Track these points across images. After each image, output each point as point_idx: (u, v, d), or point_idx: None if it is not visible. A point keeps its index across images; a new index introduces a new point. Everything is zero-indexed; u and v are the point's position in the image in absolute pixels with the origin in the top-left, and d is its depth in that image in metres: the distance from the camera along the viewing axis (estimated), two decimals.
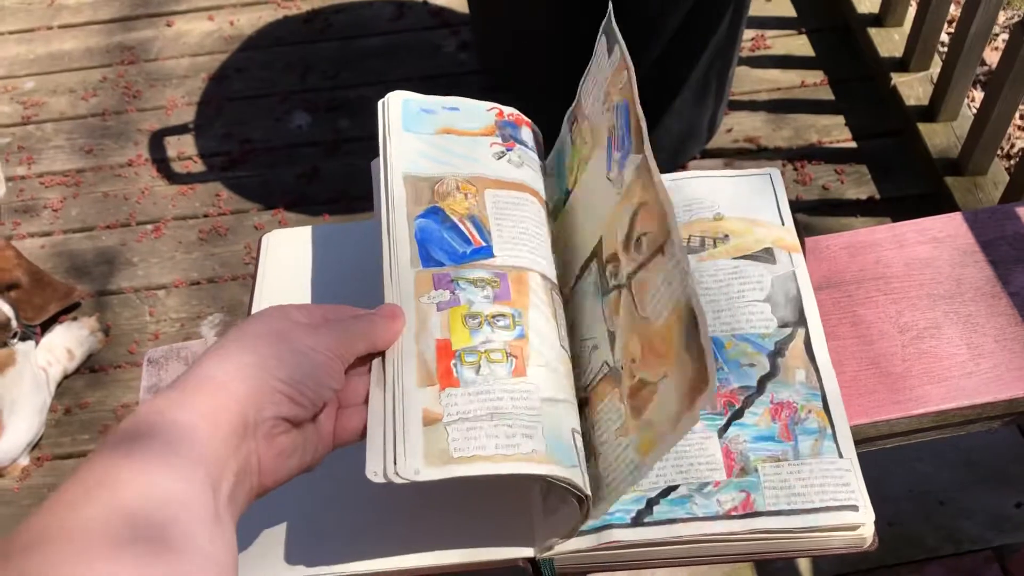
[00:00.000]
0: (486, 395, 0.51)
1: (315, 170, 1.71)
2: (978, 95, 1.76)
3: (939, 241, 0.69)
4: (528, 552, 0.55)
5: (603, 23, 0.61)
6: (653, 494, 0.55)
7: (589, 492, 0.50)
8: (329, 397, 0.48)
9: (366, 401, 0.51)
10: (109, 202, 1.71)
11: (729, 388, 0.58)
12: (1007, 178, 1.50)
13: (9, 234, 1.65)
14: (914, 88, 1.65)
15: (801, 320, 0.60)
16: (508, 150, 0.63)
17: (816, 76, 1.76)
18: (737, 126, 1.69)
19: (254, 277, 0.70)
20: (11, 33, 2.02)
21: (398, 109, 0.63)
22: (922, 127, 1.60)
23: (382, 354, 0.52)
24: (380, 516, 0.57)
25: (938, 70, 1.60)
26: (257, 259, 0.71)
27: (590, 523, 0.53)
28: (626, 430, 0.50)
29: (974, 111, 1.50)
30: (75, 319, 1.52)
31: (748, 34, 1.80)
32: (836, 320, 0.65)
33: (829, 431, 0.56)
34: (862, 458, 0.55)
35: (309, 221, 1.64)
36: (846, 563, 1.15)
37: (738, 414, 0.57)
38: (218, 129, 1.80)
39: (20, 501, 1.38)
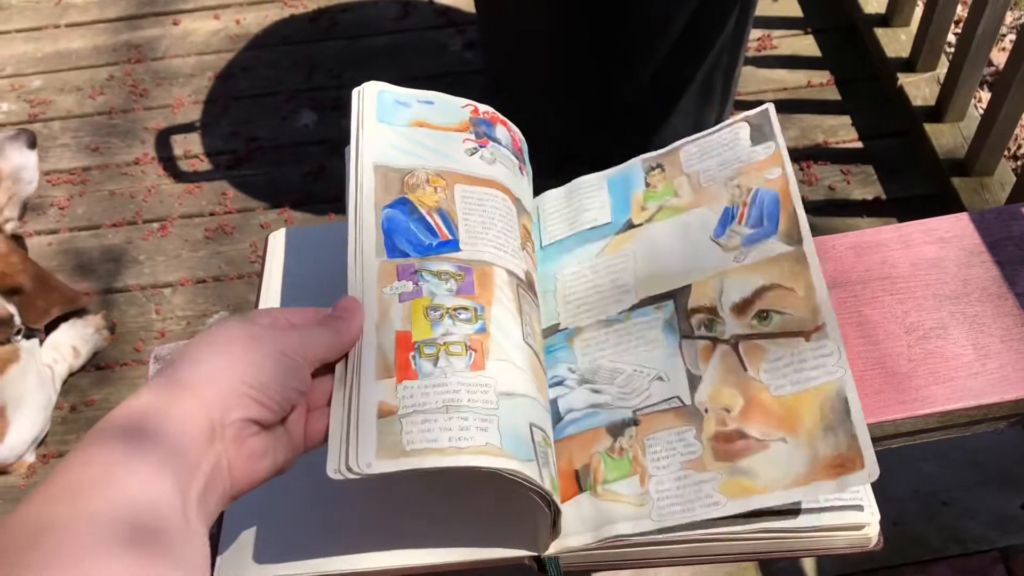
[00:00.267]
0: (442, 388, 0.51)
1: (321, 169, 1.72)
2: (985, 96, 1.75)
3: (945, 241, 0.69)
4: (533, 550, 0.55)
5: (757, 113, 0.66)
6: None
7: (548, 488, 0.50)
8: (296, 400, 0.49)
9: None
10: (115, 200, 1.72)
11: None
12: (1014, 179, 1.49)
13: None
14: (921, 88, 1.65)
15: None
16: (481, 147, 0.64)
17: (822, 76, 1.76)
18: None
19: (260, 275, 0.70)
20: (18, 32, 2.02)
21: (373, 99, 0.63)
22: (929, 127, 1.59)
23: (346, 352, 0.53)
24: (386, 514, 0.58)
25: (945, 70, 1.60)
26: (263, 257, 0.71)
27: (594, 520, 0.53)
28: (702, 465, 0.53)
29: (981, 112, 1.50)
30: (81, 317, 1.52)
31: (754, 34, 1.80)
32: (842, 320, 0.65)
33: None
34: None
35: (315, 220, 1.64)
36: (850, 563, 1.15)
37: None
38: (224, 128, 1.80)
39: None
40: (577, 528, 0.54)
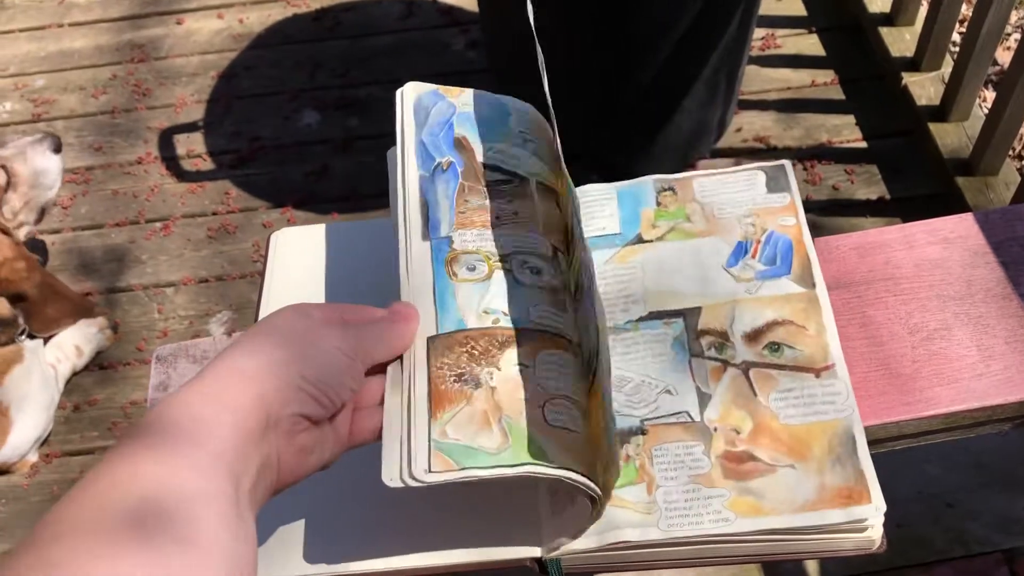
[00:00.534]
0: None
1: (324, 168, 1.72)
2: (990, 95, 1.75)
3: (950, 242, 0.68)
4: (535, 552, 0.55)
5: (774, 167, 0.67)
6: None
7: (600, 492, 0.50)
8: (348, 398, 0.48)
9: (381, 403, 0.52)
10: (118, 200, 1.72)
11: None
12: (1018, 178, 1.49)
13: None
14: (925, 88, 1.64)
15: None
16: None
17: (827, 75, 1.75)
18: (747, 125, 1.69)
19: (263, 275, 0.70)
20: (21, 31, 2.03)
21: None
22: (933, 127, 1.59)
23: (399, 357, 0.52)
24: (388, 515, 0.57)
25: (949, 70, 1.59)
26: (266, 257, 0.71)
27: (599, 524, 0.53)
28: (711, 481, 0.54)
29: (986, 111, 1.49)
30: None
31: (758, 33, 1.80)
32: (845, 321, 0.65)
33: None
34: (872, 460, 0.55)
35: (318, 219, 1.64)
36: (854, 565, 1.14)
37: None
38: (227, 127, 1.80)
39: (29, 497, 1.38)
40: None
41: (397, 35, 1.92)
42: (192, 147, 1.78)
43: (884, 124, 1.67)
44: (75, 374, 1.48)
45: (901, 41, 1.71)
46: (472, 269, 0.56)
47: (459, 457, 0.48)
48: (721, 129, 1.62)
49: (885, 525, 0.54)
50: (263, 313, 0.67)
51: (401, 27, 1.93)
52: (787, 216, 0.64)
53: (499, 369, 0.52)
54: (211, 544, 0.37)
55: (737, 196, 0.66)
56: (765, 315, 0.59)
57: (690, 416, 0.56)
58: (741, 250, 0.63)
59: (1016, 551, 1.16)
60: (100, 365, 1.51)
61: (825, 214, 1.55)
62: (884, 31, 1.73)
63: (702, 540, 0.53)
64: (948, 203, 1.52)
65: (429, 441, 0.48)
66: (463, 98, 0.64)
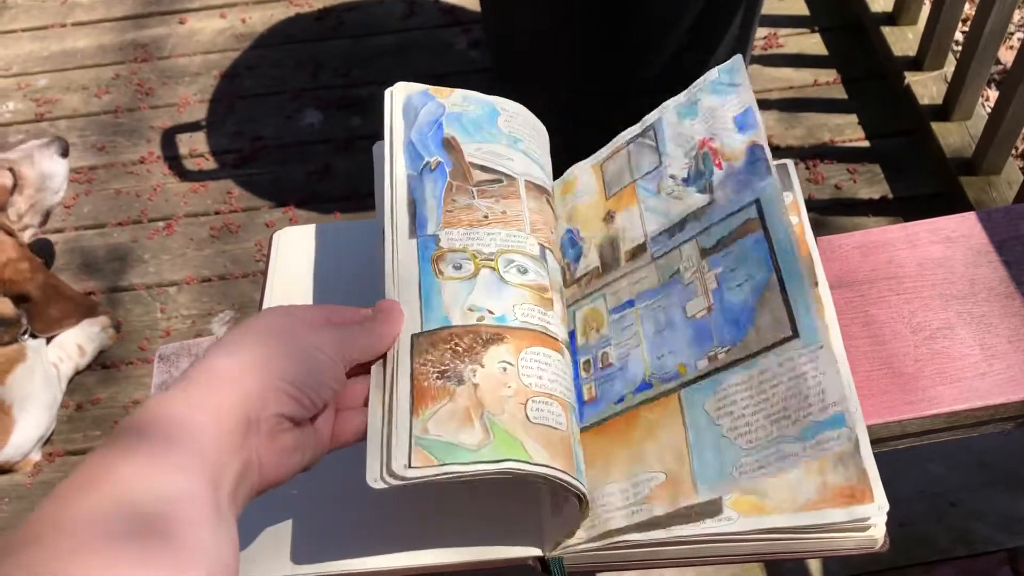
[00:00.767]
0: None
1: (326, 168, 1.72)
2: (992, 94, 1.74)
3: (952, 241, 0.68)
4: (537, 551, 0.55)
5: (777, 166, 0.63)
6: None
7: (586, 490, 0.50)
8: (330, 398, 0.49)
9: (364, 404, 0.52)
10: (121, 199, 1.72)
11: None
12: (1021, 177, 1.49)
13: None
14: (928, 87, 1.64)
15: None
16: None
17: (829, 75, 1.75)
18: None
19: (265, 274, 0.70)
20: (24, 31, 2.03)
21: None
22: (936, 126, 1.59)
23: (383, 356, 0.52)
24: (389, 514, 0.57)
25: (952, 69, 1.59)
26: (268, 256, 0.71)
27: (597, 525, 0.53)
28: None
29: (988, 110, 1.49)
30: None
31: (761, 32, 1.80)
32: (848, 320, 0.65)
33: None
34: (875, 459, 0.55)
35: (320, 219, 1.64)
36: (856, 564, 1.14)
37: None
38: (230, 127, 1.80)
39: (32, 496, 1.39)
40: (583, 529, 0.54)
41: (399, 35, 1.92)
42: (195, 146, 1.78)
43: (887, 123, 1.67)
44: (78, 373, 1.49)
45: (904, 40, 1.71)
46: (458, 267, 0.56)
47: (440, 453, 0.48)
48: None
49: (887, 524, 0.54)
50: None
51: (403, 27, 1.93)
52: (789, 215, 0.64)
53: (483, 366, 0.52)
54: (191, 544, 0.37)
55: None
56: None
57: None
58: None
59: (1019, 550, 1.15)
60: (103, 364, 1.51)
61: (828, 213, 1.55)
62: (887, 30, 1.73)
63: (704, 539, 0.53)
64: (951, 202, 1.52)
65: (410, 437, 0.48)
66: (453, 98, 0.64)
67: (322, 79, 1.86)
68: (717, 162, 0.59)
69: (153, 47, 1.96)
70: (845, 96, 1.72)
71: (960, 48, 1.54)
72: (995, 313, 0.64)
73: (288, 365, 0.45)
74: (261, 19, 1.99)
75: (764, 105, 1.71)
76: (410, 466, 0.47)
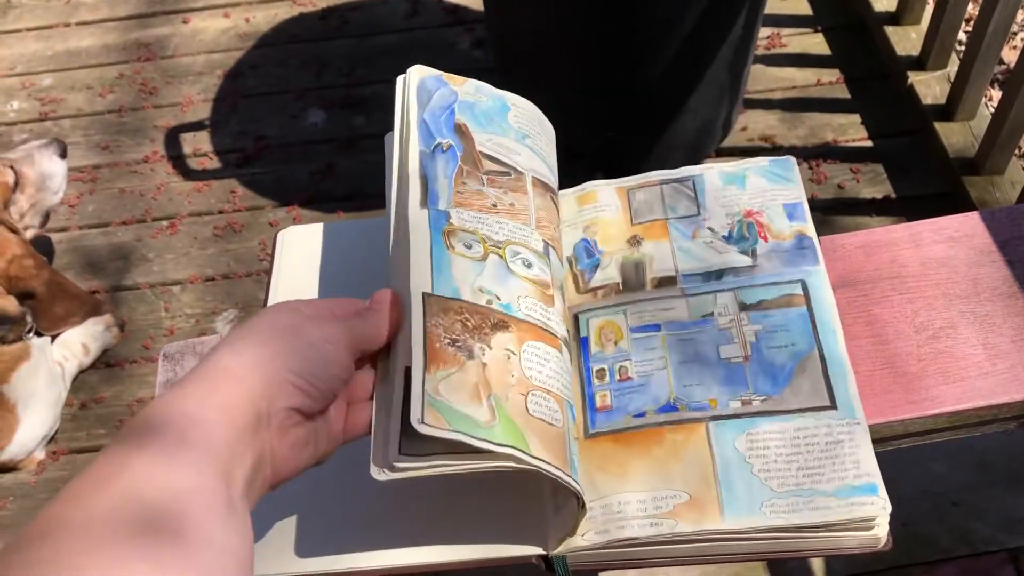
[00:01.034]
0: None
1: (330, 167, 1.72)
2: (996, 94, 1.75)
3: (956, 240, 0.68)
4: (541, 549, 0.55)
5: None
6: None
7: (582, 489, 0.51)
8: (339, 389, 0.49)
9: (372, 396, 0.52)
10: (125, 198, 1.72)
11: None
12: None
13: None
14: (931, 87, 1.64)
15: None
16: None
17: (832, 75, 1.75)
18: (752, 125, 1.68)
19: (269, 273, 0.70)
20: (29, 30, 2.03)
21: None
22: (939, 126, 1.59)
23: (388, 348, 0.53)
24: (392, 512, 0.58)
25: (955, 69, 1.59)
26: (272, 255, 0.71)
27: (605, 522, 0.53)
28: None
29: (991, 110, 1.49)
30: None
31: (764, 32, 1.80)
32: (851, 319, 0.65)
33: None
34: (876, 458, 0.55)
35: (324, 218, 1.65)
36: (859, 563, 1.14)
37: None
38: (233, 126, 1.81)
39: (36, 494, 1.39)
40: (587, 528, 0.54)
41: (403, 34, 1.92)
42: (198, 146, 1.79)
43: (890, 123, 1.67)
44: (82, 372, 1.49)
45: (907, 40, 1.71)
46: (468, 247, 0.56)
47: (450, 417, 0.48)
48: (726, 128, 1.62)
49: (890, 523, 0.54)
50: None
51: (407, 26, 1.93)
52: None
53: (490, 348, 0.52)
54: (204, 540, 0.37)
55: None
56: None
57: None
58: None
59: (1021, 550, 1.15)
60: (107, 363, 1.51)
61: (830, 213, 1.55)
62: (890, 30, 1.73)
63: (707, 537, 0.53)
64: (954, 202, 1.52)
65: (423, 393, 0.48)
66: (466, 87, 0.65)
67: (326, 78, 1.86)
68: (763, 235, 0.63)
69: (157, 46, 1.97)
70: (848, 96, 1.72)
71: (963, 48, 1.54)
72: (998, 313, 0.64)
73: (294, 358, 0.46)
74: (265, 18, 1.99)
75: (767, 105, 1.71)
76: (423, 421, 0.47)
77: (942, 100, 1.61)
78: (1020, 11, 1.77)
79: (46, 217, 1.49)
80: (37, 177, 1.44)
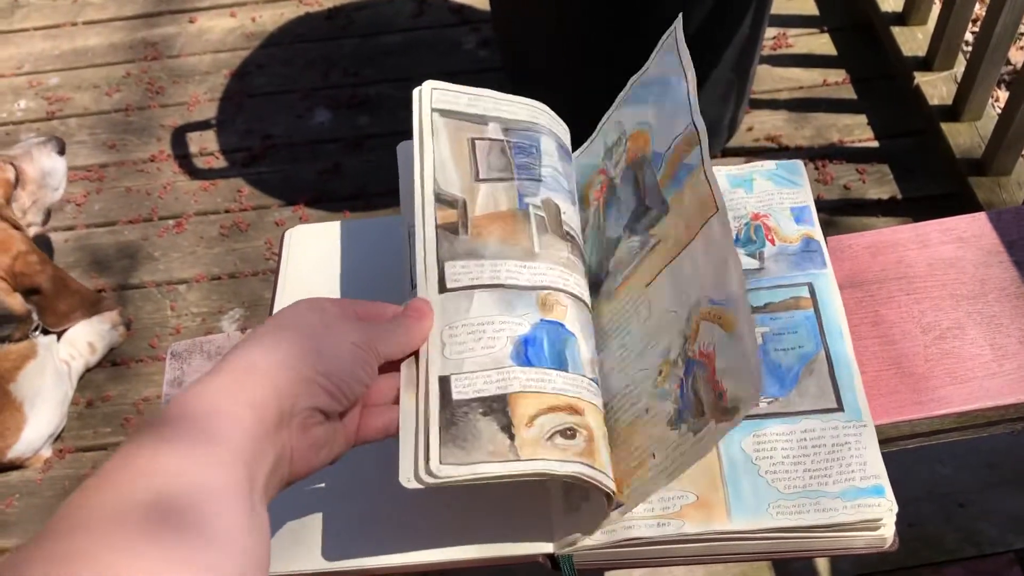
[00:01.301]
0: None
1: (336, 166, 1.72)
2: (1002, 95, 1.74)
3: (963, 241, 0.68)
4: (547, 548, 0.55)
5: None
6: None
7: (615, 488, 0.51)
8: (361, 393, 0.49)
9: (391, 401, 0.52)
10: (132, 197, 1.73)
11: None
12: None
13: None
14: (938, 87, 1.64)
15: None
16: None
17: (838, 75, 1.75)
18: (758, 125, 1.68)
19: (276, 272, 0.70)
20: (36, 29, 2.04)
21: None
22: (945, 127, 1.58)
23: (414, 354, 0.52)
24: (399, 511, 0.58)
25: (962, 69, 1.58)
26: (279, 255, 0.72)
27: (610, 520, 0.53)
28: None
29: (998, 111, 1.49)
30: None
31: (770, 32, 1.80)
32: (858, 320, 0.65)
33: None
34: (883, 458, 0.55)
35: (330, 217, 1.65)
36: (865, 564, 1.14)
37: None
38: (240, 125, 1.81)
39: (43, 492, 1.39)
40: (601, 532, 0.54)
41: (409, 34, 1.92)
42: (205, 145, 1.79)
43: (896, 124, 1.67)
44: (88, 370, 1.49)
45: (913, 40, 1.70)
46: None
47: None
48: (732, 128, 1.62)
49: (897, 524, 0.54)
50: (277, 309, 0.68)
51: (413, 26, 1.93)
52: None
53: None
54: (229, 538, 0.37)
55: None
56: None
57: None
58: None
59: None
60: (113, 361, 1.52)
61: (837, 214, 1.55)
62: (896, 30, 1.72)
63: (713, 537, 0.53)
64: (961, 203, 1.52)
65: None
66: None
67: (332, 78, 1.86)
68: (770, 238, 0.64)
69: (163, 46, 1.97)
70: (854, 96, 1.72)
71: (970, 48, 1.54)
72: (1006, 313, 0.64)
73: (321, 359, 0.46)
74: (271, 18, 1.99)
75: (773, 105, 1.71)
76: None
77: (949, 101, 1.61)
78: None
79: (48, 215, 1.50)
80: (37, 174, 1.45)
